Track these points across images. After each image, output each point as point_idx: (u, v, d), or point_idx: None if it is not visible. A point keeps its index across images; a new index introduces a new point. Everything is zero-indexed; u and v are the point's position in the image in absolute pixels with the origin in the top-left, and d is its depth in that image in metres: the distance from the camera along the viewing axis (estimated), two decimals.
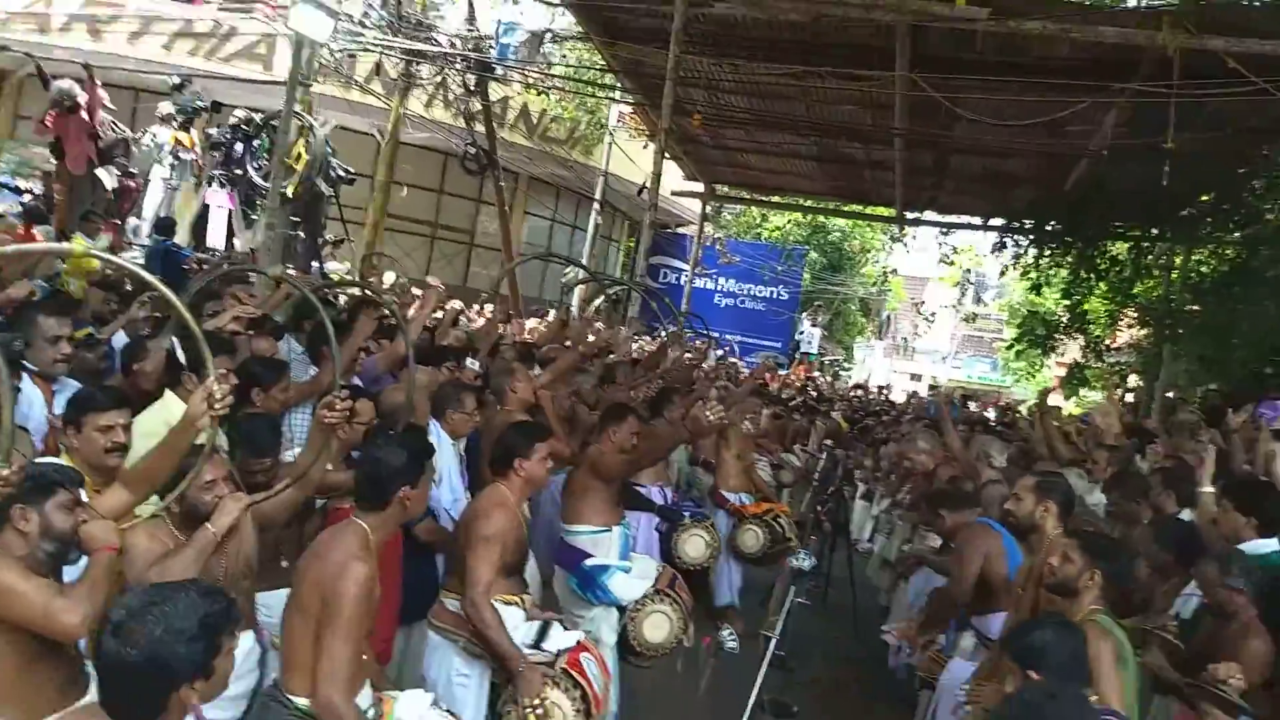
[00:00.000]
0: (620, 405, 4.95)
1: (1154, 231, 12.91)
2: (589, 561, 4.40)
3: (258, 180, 10.97)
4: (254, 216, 11.29)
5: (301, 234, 11.27)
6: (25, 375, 3.65)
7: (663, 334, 11.30)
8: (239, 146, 11.08)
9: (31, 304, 4.53)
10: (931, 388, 19.00)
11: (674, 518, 5.49)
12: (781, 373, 15.19)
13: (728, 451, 6.30)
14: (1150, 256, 13.53)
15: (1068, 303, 14.47)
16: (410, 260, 15.29)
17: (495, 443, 3.91)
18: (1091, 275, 13.58)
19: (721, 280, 22.79)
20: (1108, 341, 15.30)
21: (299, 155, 10.55)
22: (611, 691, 4.00)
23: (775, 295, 23.12)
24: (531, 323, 10.02)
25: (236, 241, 11.04)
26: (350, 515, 3.40)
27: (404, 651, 4.09)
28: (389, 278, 10.00)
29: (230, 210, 11.11)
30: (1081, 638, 2.74)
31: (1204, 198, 11.86)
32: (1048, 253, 13.81)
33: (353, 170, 11.58)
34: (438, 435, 4.40)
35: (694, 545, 5.48)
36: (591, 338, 7.15)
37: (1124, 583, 3.33)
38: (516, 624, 3.45)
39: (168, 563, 2.66)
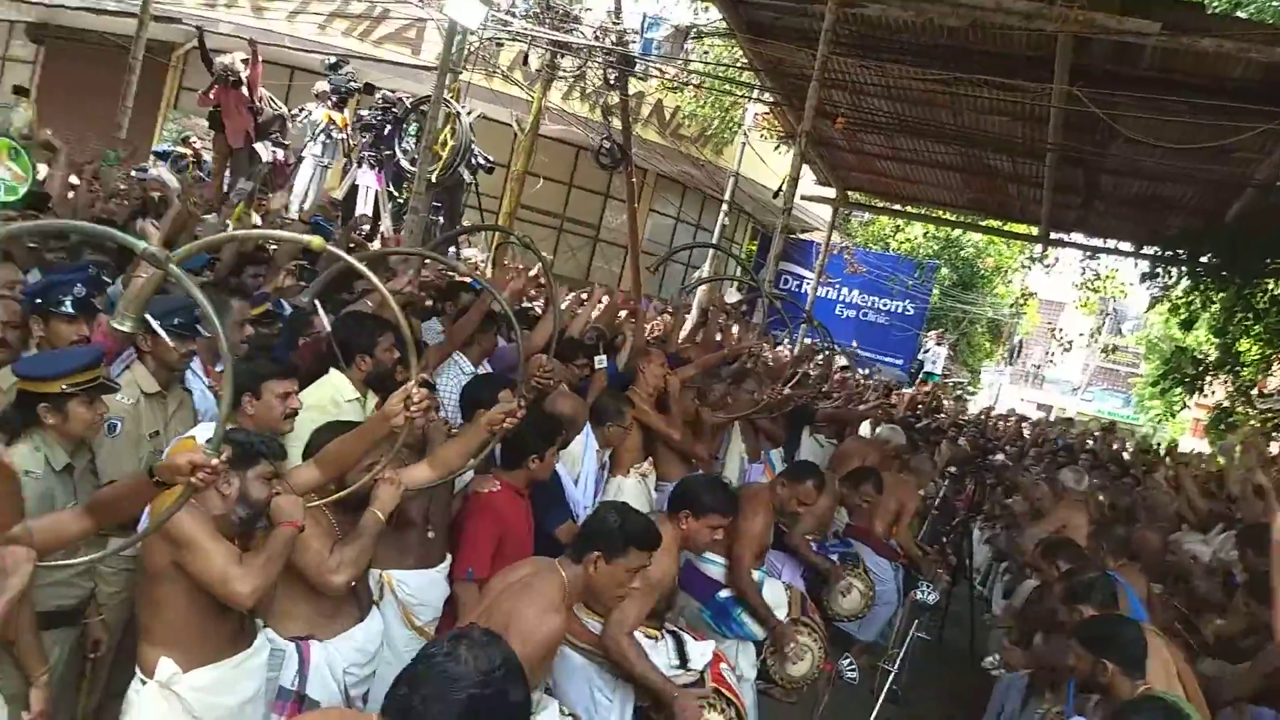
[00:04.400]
0: (813, 466, 4.97)
1: None
2: (723, 594, 4.33)
3: (405, 164, 11.30)
4: (399, 199, 11.66)
5: (441, 219, 11.59)
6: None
7: (785, 340, 11.18)
8: (388, 129, 11.44)
9: (217, 284, 4.77)
10: (1065, 420, 18.09)
11: (824, 572, 5.33)
12: (906, 391, 14.75)
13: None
14: None
15: (1219, 341, 13.53)
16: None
17: (680, 483, 4.01)
18: (1249, 314, 12.66)
19: (845, 290, 22.31)
20: (1260, 386, 14.22)
21: (445, 142, 10.84)
22: None
23: (901, 310, 22.50)
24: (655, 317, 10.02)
25: (382, 223, 11.40)
26: (489, 498, 3.46)
27: None
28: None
29: (377, 191, 11.49)
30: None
31: None
32: (1201, 286, 12.94)
33: (492, 159, 11.82)
34: (587, 439, 4.45)
35: (850, 597, 5.32)
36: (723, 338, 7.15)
37: (1136, 655, 3.03)
38: (656, 653, 3.43)
39: (346, 551, 2.79)
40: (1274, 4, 11.00)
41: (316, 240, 2.66)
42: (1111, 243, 14.74)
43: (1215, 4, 10.94)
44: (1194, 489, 6.31)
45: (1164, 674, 3.21)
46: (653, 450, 5.09)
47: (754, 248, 23.32)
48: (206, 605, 2.47)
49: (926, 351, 24.09)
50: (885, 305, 22.55)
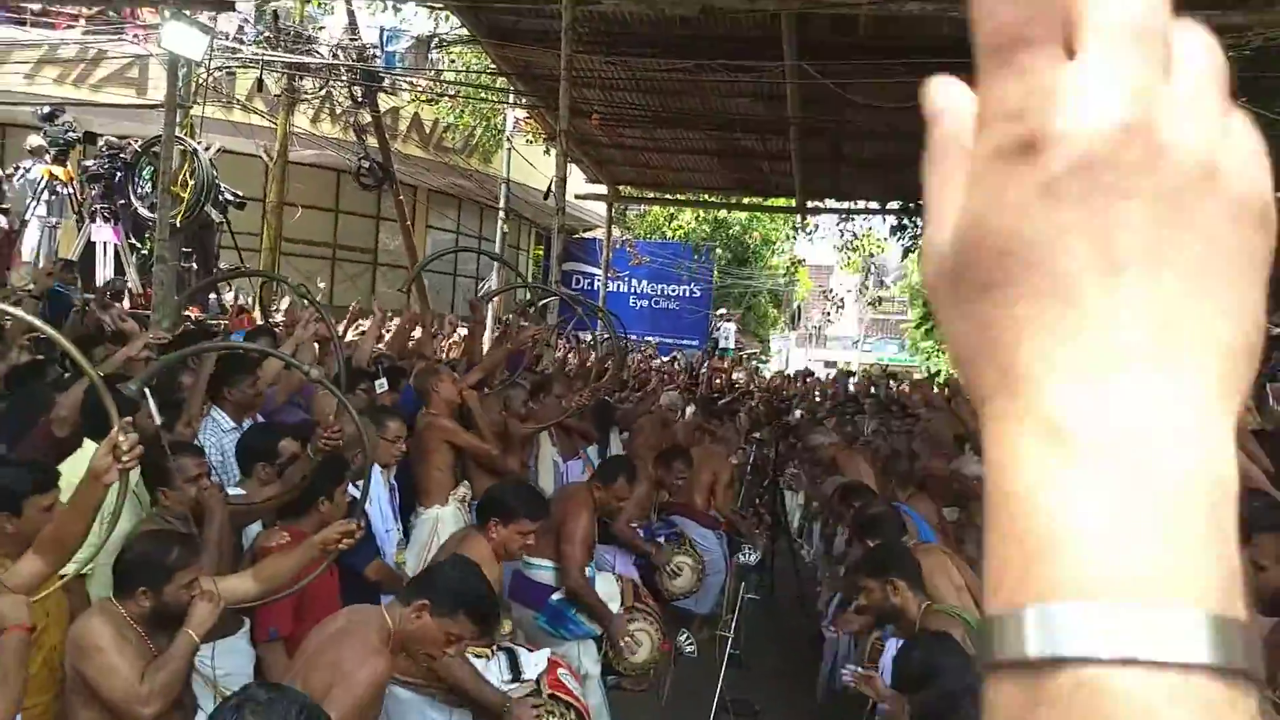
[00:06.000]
0: (622, 460, 5.05)
1: None
2: (555, 597, 4.32)
3: (144, 211, 10.50)
4: (143, 250, 10.83)
5: (194, 265, 10.87)
6: None
7: (587, 340, 11.30)
8: (119, 176, 10.59)
9: None
10: (847, 373, 19.45)
11: (650, 557, 5.39)
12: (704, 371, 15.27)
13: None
14: None
15: None
16: (310, 284, 14.88)
17: (486, 491, 3.90)
18: None
19: (634, 282, 22.82)
20: None
21: (185, 182, 10.15)
22: None
23: (689, 293, 23.30)
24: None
25: (127, 277, 10.57)
26: (275, 549, 3.31)
27: None
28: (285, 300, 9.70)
29: (117, 245, 10.64)
30: (956, 647, 2.76)
31: None
32: None
33: (241, 194, 11.19)
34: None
35: (682, 576, 5.42)
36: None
37: (913, 572, 3.28)
38: (488, 671, 3.36)
39: (158, 678, 2.52)
40: None
41: None
42: (861, 203, 15.85)
43: None
44: (967, 412, 6.86)
45: (952, 589, 3.48)
46: (467, 472, 4.98)
47: (540, 251, 23.41)
48: None
49: (719, 329, 25.10)
50: (674, 291, 23.26)
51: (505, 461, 5.14)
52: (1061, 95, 0.30)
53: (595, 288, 19.25)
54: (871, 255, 20.26)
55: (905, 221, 14.67)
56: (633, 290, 22.88)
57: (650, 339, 19.68)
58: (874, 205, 15.58)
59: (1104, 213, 0.30)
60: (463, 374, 5.44)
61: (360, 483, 3.97)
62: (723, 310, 25.74)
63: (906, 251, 15.37)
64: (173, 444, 3.49)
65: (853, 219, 17.34)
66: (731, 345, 25.50)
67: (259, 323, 9.36)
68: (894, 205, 14.68)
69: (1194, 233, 0.30)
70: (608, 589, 4.50)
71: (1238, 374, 0.31)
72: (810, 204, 15.52)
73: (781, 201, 16.76)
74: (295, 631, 3.21)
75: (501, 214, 17.13)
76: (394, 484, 4.60)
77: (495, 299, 14.43)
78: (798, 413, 11.18)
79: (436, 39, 11.91)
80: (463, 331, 9.89)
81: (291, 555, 3.07)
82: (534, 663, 3.51)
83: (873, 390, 12.43)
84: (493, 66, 11.70)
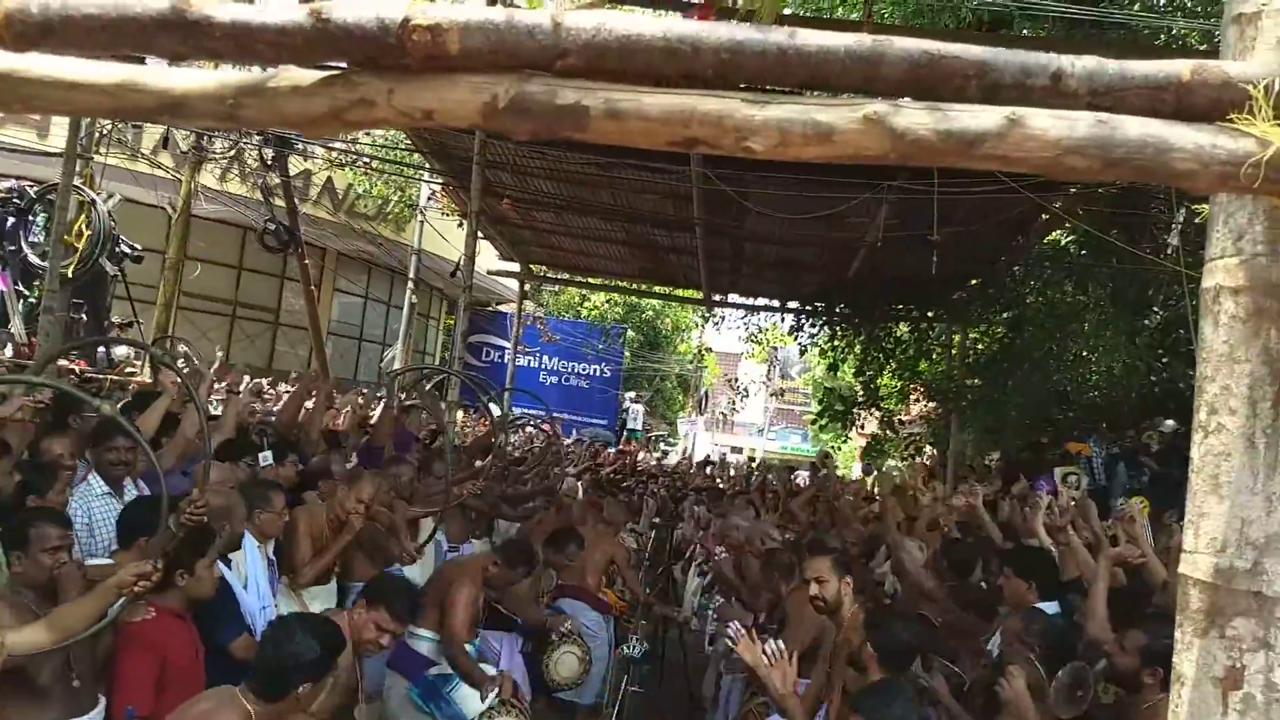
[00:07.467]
0: (526, 547, 5.05)
1: (931, 314, 14.05)
2: (433, 671, 4.29)
3: (34, 259, 10.17)
4: (30, 298, 10.45)
5: (84, 317, 10.52)
6: None
7: (486, 413, 11.26)
8: (11, 222, 10.28)
9: None
10: (751, 459, 19.81)
11: (539, 636, 5.37)
12: (610, 450, 15.35)
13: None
14: (931, 337, 14.66)
15: (861, 379, 15.41)
16: (207, 341, 14.52)
17: (376, 575, 4.00)
18: (880, 354, 14.60)
19: (545, 358, 22.91)
20: (901, 415, 16.38)
21: (79, 232, 9.90)
22: None
23: (599, 373, 23.48)
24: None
25: (12, 326, 10.17)
26: (142, 627, 3.22)
27: None
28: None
29: (3, 292, 10.27)
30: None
31: (973, 282, 13.03)
32: (839, 334, 14.75)
33: (140, 247, 10.95)
34: (245, 538, 4.19)
35: (567, 664, 5.33)
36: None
37: (899, 658, 3.40)
38: None
39: None
40: None
41: None
42: (762, 300, 16.36)
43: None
44: (850, 515, 7.12)
45: None
46: (347, 554, 4.83)
47: (451, 321, 23.38)
48: None
49: (626, 410, 25.28)
50: (584, 370, 23.42)
51: (388, 548, 5.07)
52: None
53: (504, 361, 19.28)
54: (775, 348, 20.87)
55: (802, 322, 15.24)
56: (543, 366, 22.97)
57: (558, 415, 19.75)
58: (774, 303, 16.11)
59: None
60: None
61: (233, 556, 3.96)
62: (633, 393, 26.01)
63: (804, 350, 15.96)
64: (36, 509, 3.39)
65: (756, 314, 17.89)
66: (640, 427, 25.68)
67: (146, 383, 9.11)
68: (793, 305, 15.21)
69: None
70: (471, 704, 4.45)
71: None
72: (715, 296, 15.96)
73: (690, 292, 17.19)
74: (156, 711, 3.10)
75: (410, 285, 17.10)
76: (273, 559, 4.52)
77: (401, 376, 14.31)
78: (689, 503, 11.32)
79: None
80: (358, 401, 9.81)
81: (85, 601, 2.98)
82: None
83: (771, 481, 12.64)
84: (407, 141, 11.83)
